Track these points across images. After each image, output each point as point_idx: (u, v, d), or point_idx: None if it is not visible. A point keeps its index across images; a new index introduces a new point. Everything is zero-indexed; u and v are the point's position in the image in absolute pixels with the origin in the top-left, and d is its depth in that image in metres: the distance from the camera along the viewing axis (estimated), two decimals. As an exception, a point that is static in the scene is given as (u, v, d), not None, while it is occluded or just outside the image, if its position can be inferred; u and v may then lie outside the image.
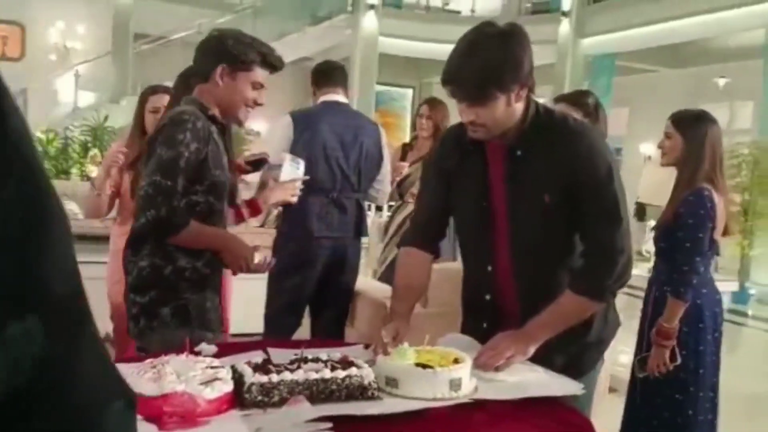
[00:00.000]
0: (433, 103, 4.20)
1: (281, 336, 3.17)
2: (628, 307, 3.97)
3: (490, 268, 1.90)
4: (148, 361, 1.47)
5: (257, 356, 1.64)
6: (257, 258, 2.07)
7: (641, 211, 7.16)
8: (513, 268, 1.87)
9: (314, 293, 3.27)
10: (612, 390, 3.80)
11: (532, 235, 1.83)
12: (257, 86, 2.06)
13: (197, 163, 1.94)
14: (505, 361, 1.70)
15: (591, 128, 1.99)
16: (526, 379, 1.68)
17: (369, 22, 11.67)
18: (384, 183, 3.51)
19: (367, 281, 3.81)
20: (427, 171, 2.16)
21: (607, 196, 1.77)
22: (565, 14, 11.65)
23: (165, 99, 2.96)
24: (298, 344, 1.79)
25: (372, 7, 11.62)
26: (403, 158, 4.25)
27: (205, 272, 2.03)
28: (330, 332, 3.22)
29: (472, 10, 13.15)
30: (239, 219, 2.72)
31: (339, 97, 3.35)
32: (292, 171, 2.54)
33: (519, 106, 1.76)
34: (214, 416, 1.35)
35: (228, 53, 2.02)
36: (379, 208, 6.94)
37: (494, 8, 13.33)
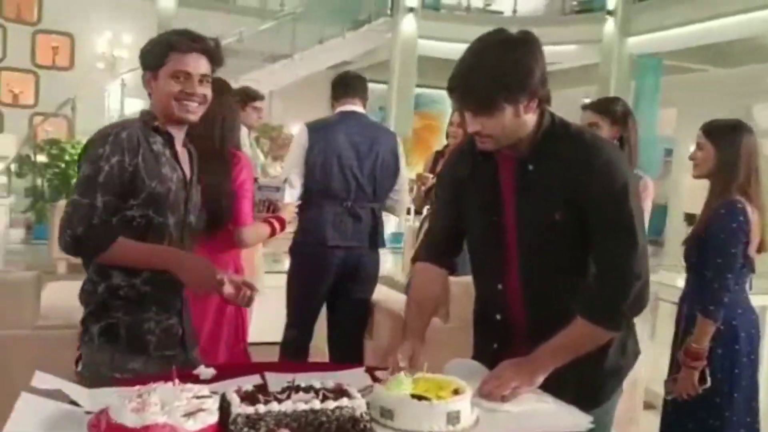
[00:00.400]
0: None
1: (298, 346, 3.20)
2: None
3: (500, 287, 1.83)
4: (137, 388, 1.44)
5: (253, 381, 1.60)
6: (227, 288, 1.98)
7: (691, 221, 6.95)
8: (522, 288, 1.78)
9: (330, 304, 3.29)
10: (649, 406, 3.67)
11: (543, 254, 1.74)
12: (179, 75, 1.90)
13: (124, 175, 1.85)
14: (511, 391, 1.62)
15: (608, 143, 1.88)
16: (532, 411, 1.59)
17: (408, 25, 11.62)
18: (401, 193, 3.51)
19: (386, 292, 3.75)
20: (441, 183, 2.09)
21: (622, 214, 1.67)
22: (610, 13, 11.39)
23: None
24: (297, 367, 1.74)
25: (411, 10, 11.58)
26: (435, 166, 4.20)
27: (144, 290, 1.93)
28: (348, 344, 3.22)
29: (514, 11, 12.96)
30: (273, 233, 2.81)
31: (356, 107, 3.39)
32: (290, 194, 2.69)
33: (529, 118, 1.69)
34: (197, 449, 1.31)
35: (143, 60, 1.96)
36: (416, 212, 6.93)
37: (537, 8, 13.15)
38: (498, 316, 1.85)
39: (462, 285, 3.28)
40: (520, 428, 1.50)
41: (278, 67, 11.63)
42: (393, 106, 11.83)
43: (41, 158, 9.62)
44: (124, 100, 11.25)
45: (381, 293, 3.53)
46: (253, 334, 3.51)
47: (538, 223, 1.73)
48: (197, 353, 2.13)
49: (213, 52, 1.97)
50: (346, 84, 3.49)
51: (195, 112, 1.94)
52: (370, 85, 13.27)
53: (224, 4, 12.93)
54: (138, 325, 1.95)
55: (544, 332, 1.70)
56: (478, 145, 1.74)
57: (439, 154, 4.34)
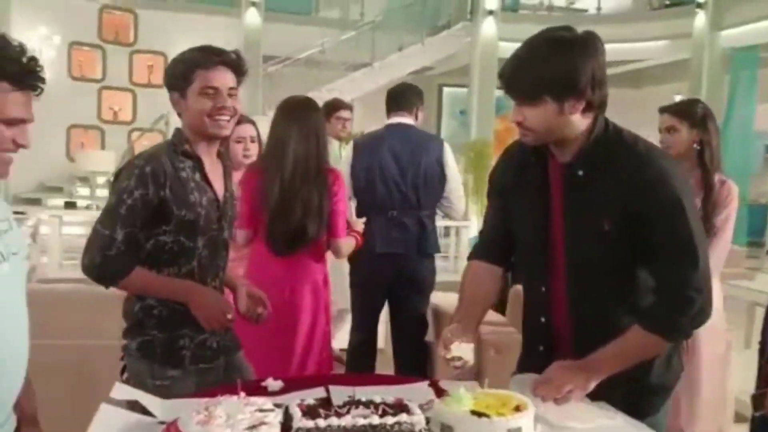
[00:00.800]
0: None
1: (363, 349, 3.42)
2: None
3: (543, 289, 1.81)
4: (205, 400, 1.50)
5: (318, 394, 1.64)
6: (242, 306, 2.06)
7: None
8: (567, 292, 1.76)
9: (390, 311, 3.48)
10: (741, 419, 3.49)
11: (589, 261, 1.71)
12: (208, 91, 1.92)
13: (149, 207, 1.89)
14: (563, 396, 1.59)
15: (663, 154, 1.79)
16: (599, 427, 1.56)
17: (488, 28, 11.55)
18: (450, 199, 3.62)
19: (450, 298, 3.76)
20: (490, 185, 2.08)
21: (679, 230, 1.62)
22: (700, 6, 10.93)
23: (249, 129, 3.05)
24: (362, 380, 1.77)
25: (491, 12, 11.49)
26: None
27: (178, 309, 1.98)
28: (409, 350, 3.40)
29: (598, 8, 12.63)
30: (358, 245, 3.05)
31: (403, 119, 3.54)
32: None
33: (577, 119, 1.65)
34: (259, 462, 1.36)
35: (169, 82, 1.98)
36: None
37: (622, 4, 12.76)
38: (543, 319, 1.83)
39: None
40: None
41: (359, 76, 11.79)
42: (474, 109, 11.76)
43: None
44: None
45: (443, 299, 3.58)
46: (344, 342, 3.67)
47: (585, 231, 1.69)
48: (241, 356, 2.18)
49: (237, 64, 1.99)
50: (394, 97, 3.63)
51: (227, 126, 1.97)
52: (452, 90, 13.37)
53: (307, 17, 13.20)
54: (172, 341, 2.00)
55: (588, 337, 1.69)
56: (521, 137, 1.73)
57: None
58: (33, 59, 1.37)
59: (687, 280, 1.62)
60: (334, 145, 4.37)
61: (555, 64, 1.59)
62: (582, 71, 1.60)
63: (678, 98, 10.15)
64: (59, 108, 11.19)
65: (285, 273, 2.81)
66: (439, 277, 3.62)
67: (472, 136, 11.61)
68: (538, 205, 1.76)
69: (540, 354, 1.82)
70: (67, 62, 11.55)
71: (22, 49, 1.36)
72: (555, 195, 1.74)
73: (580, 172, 1.69)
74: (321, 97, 11.13)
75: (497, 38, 11.59)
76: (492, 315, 3.18)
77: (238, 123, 3.06)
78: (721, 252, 2.83)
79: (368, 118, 12.50)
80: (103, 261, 1.88)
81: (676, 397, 2.86)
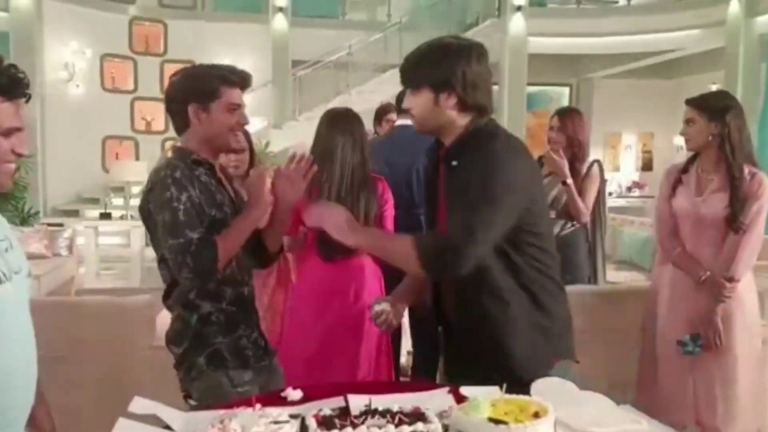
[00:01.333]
0: (565, 113, 3.96)
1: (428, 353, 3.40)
2: None
3: None
4: (222, 412, 1.50)
5: (337, 403, 1.62)
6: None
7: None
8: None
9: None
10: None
11: None
12: (233, 108, 2.02)
13: (196, 206, 1.95)
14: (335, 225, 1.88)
15: (511, 149, 1.90)
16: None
17: (516, 24, 11.42)
18: None
19: None
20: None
21: (483, 183, 1.80)
22: (733, -8, 10.66)
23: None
24: (382, 388, 1.75)
25: (519, 8, 11.37)
26: None
27: (232, 311, 2.06)
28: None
29: (628, 0, 12.42)
30: None
31: (407, 121, 3.50)
32: None
33: (453, 115, 1.91)
34: (274, 474, 1.35)
35: (191, 91, 2.01)
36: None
37: (653, -6, 12.52)
38: (432, 302, 2.08)
39: (603, 295, 3.23)
40: (607, 452, 1.43)
41: (388, 77, 11.77)
42: (504, 108, 11.65)
43: None
44: (244, 120, 11.78)
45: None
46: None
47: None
48: (276, 360, 2.25)
49: (248, 86, 2.10)
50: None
51: (240, 141, 2.13)
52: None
53: (334, 20, 13.23)
54: (236, 343, 2.08)
55: (466, 305, 1.95)
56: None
57: (539, 161, 4.21)
58: (14, 66, 1.39)
59: (461, 235, 1.79)
60: None
61: (434, 62, 1.90)
62: (454, 71, 1.87)
63: (714, 88, 9.93)
64: (94, 120, 11.44)
65: (346, 279, 2.91)
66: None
67: (503, 134, 11.50)
68: (432, 195, 2.06)
69: (439, 335, 2.09)
70: (100, 75, 11.75)
71: (1, 59, 1.37)
72: (440, 183, 2.00)
73: (454, 163, 1.92)
74: (350, 100, 11.26)
75: (526, 34, 11.47)
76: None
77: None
78: (755, 245, 2.75)
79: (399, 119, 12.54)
80: (194, 259, 1.89)
81: (711, 394, 2.81)
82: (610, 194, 12.19)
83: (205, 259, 1.90)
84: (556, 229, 3.63)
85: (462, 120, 1.92)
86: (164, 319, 3.32)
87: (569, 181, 3.61)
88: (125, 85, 12.04)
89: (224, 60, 12.55)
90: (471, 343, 1.97)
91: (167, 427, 1.58)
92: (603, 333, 3.19)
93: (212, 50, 12.24)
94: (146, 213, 2.01)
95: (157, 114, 12.15)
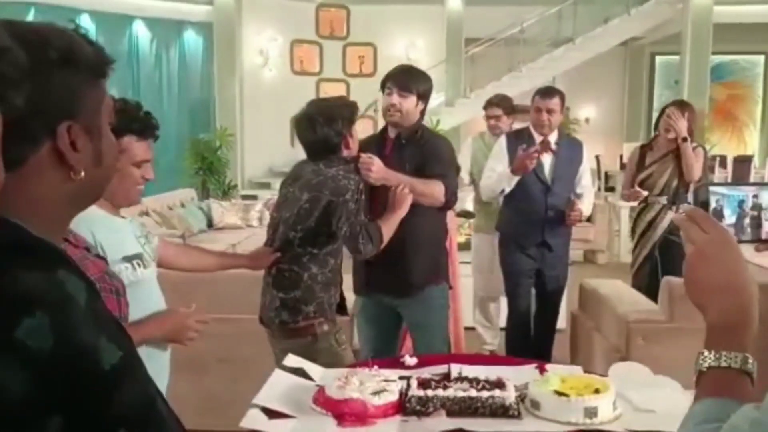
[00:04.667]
0: (682, 105, 4.17)
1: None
2: None
3: None
4: (347, 370, 1.95)
5: (442, 370, 2.01)
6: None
7: None
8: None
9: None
10: None
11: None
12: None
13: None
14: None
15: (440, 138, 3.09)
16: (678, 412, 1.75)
17: (701, -8, 10.84)
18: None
19: None
20: None
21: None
22: None
23: None
24: (481, 360, 2.11)
25: (703, -24, 10.76)
26: (641, 161, 4.16)
27: (330, 276, 2.47)
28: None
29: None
30: None
31: None
32: None
33: (418, 114, 2.83)
34: (381, 419, 1.76)
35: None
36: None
37: None
38: None
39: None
40: (658, 426, 1.68)
41: (560, 53, 11.68)
42: (686, 77, 11.14)
43: None
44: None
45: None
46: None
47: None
48: None
49: None
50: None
51: None
52: (665, 59, 12.64)
53: (508, -4, 13.25)
54: (331, 301, 2.50)
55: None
56: (388, 117, 2.81)
57: (645, 148, 4.25)
58: (147, 113, 1.86)
59: (453, 185, 2.87)
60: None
61: (422, 78, 2.86)
62: (430, 88, 2.88)
63: None
64: (284, 101, 12.48)
65: None
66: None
67: (685, 108, 11.02)
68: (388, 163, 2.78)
69: None
70: (290, 59, 12.78)
71: (138, 106, 1.84)
72: (389, 157, 2.76)
73: (404, 141, 2.81)
74: (521, 76, 11.32)
75: (712, 2, 10.85)
76: (644, 304, 3.31)
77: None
78: None
79: (572, 94, 12.39)
80: (369, 232, 2.44)
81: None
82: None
83: (374, 239, 2.45)
84: (671, 213, 3.87)
85: (419, 119, 2.87)
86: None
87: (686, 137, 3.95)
88: (312, 67, 12.99)
89: (401, 42, 13.07)
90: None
91: (310, 378, 2.05)
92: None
93: (390, 33, 12.86)
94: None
95: (339, 93, 13.01)
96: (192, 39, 12.28)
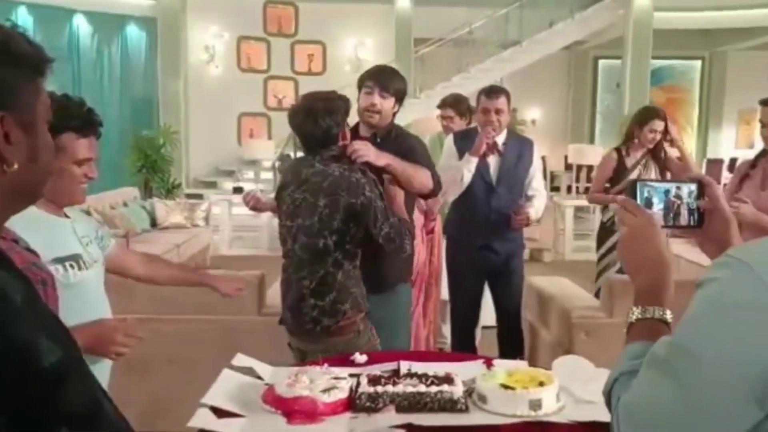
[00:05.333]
0: (661, 114, 4.35)
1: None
2: None
3: None
4: (296, 369, 1.95)
5: (391, 367, 2.03)
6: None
7: None
8: None
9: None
10: None
11: None
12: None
13: None
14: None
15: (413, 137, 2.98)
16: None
17: (642, -2, 11.16)
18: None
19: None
20: None
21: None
22: None
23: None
24: (429, 357, 2.13)
25: (644, -18, 11.09)
26: (621, 164, 4.31)
27: (357, 270, 2.51)
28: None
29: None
30: None
31: None
32: None
33: (392, 116, 2.84)
34: (330, 416, 1.77)
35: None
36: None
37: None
38: None
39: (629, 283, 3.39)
40: (598, 416, 1.73)
41: (508, 54, 11.87)
42: (627, 81, 11.46)
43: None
44: (367, 96, 12.29)
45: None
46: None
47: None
48: None
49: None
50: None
51: None
52: (608, 62, 12.99)
53: (456, -2, 13.40)
54: (362, 293, 2.52)
55: None
56: (366, 118, 2.81)
57: (621, 152, 4.37)
58: (90, 110, 1.81)
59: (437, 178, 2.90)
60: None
61: (400, 79, 2.86)
62: (406, 89, 2.90)
63: None
64: (231, 98, 12.38)
65: None
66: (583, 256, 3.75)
67: (626, 110, 11.34)
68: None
69: None
70: (236, 55, 12.65)
71: (81, 102, 1.80)
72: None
73: (378, 140, 2.78)
74: (470, 77, 11.46)
75: (652, 8, 11.18)
76: (587, 300, 3.40)
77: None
78: None
79: (518, 95, 12.59)
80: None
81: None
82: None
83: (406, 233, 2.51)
84: None
85: (392, 119, 2.91)
86: (275, 291, 3.86)
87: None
88: (260, 64, 12.87)
89: (349, 40, 13.13)
90: None
91: (259, 377, 2.05)
92: None
93: (339, 31, 12.84)
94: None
95: (288, 92, 12.93)
96: (135, 34, 12.04)
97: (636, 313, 1.05)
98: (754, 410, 0.79)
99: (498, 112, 3.56)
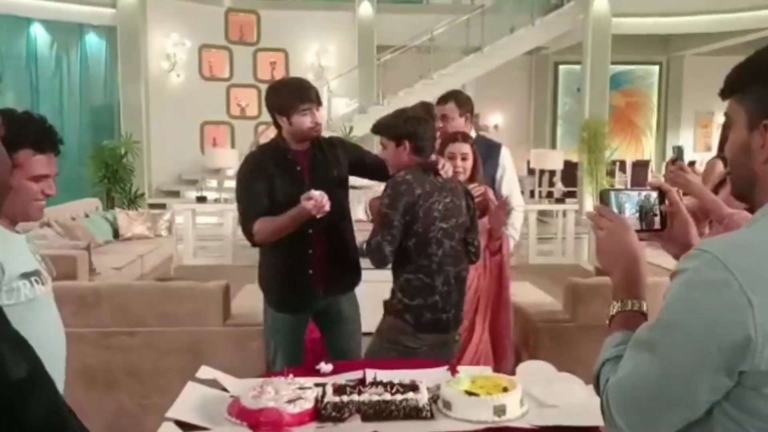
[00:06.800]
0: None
1: None
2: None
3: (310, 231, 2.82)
4: (262, 380, 1.94)
5: (357, 375, 2.04)
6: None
7: None
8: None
9: None
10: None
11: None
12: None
13: None
14: None
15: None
16: (580, 405, 1.84)
17: (600, 4, 11.35)
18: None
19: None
20: None
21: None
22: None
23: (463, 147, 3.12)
24: (395, 365, 2.14)
25: (602, -11, 11.28)
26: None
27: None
28: None
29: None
30: None
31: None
32: None
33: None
34: (296, 427, 1.77)
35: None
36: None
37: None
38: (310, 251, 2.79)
39: (593, 287, 3.42)
40: (561, 420, 1.76)
41: (470, 60, 11.98)
42: (587, 86, 11.64)
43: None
44: (331, 102, 12.29)
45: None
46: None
47: (328, 183, 2.73)
48: None
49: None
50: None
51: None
52: (568, 68, 13.17)
53: (418, 5, 13.51)
54: None
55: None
56: (313, 134, 2.77)
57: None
58: (48, 126, 1.78)
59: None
60: None
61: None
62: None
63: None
64: (193, 107, 12.25)
65: None
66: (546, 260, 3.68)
67: (586, 115, 11.52)
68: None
69: None
70: (198, 64, 12.54)
71: (41, 120, 1.78)
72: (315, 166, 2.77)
73: (316, 149, 2.78)
74: (433, 83, 11.53)
75: (610, 14, 11.38)
76: (550, 305, 3.45)
77: (455, 141, 3.13)
78: None
79: (481, 100, 12.72)
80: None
81: None
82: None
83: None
84: None
85: None
86: (239, 301, 3.84)
87: None
88: (221, 73, 12.79)
89: (312, 47, 13.09)
90: None
91: (224, 389, 2.03)
92: None
93: (302, 39, 12.83)
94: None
95: (251, 100, 12.88)
96: (94, 42, 11.85)
97: (616, 306, 1.16)
98: (723, 380, 0.91)
99: (444, 118, 3.34)
